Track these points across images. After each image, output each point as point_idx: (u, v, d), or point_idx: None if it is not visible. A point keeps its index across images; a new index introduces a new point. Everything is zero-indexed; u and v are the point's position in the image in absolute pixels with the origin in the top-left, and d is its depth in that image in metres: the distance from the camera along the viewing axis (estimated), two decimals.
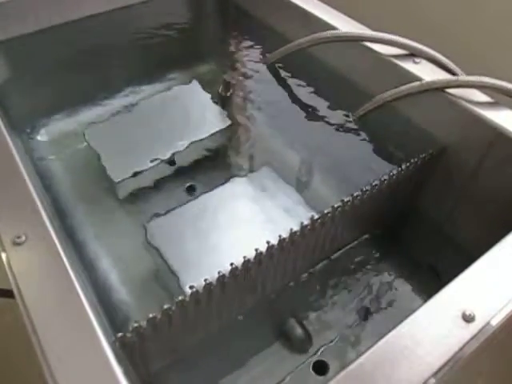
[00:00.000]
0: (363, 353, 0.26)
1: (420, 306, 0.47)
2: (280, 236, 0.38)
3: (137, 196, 0.58)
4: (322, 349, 0.47)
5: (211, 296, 0.36)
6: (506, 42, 0.62)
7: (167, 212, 0.51)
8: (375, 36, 0.47)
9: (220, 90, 0.64)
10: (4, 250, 0.29)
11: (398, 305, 0.51)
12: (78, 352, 0.25)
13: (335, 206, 0.40)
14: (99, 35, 0.64)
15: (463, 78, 0.42)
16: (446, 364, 0.26)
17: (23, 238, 0.30)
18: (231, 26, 0.66)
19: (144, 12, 0.65)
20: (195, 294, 0.34)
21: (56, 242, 0.30)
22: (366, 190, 0.42)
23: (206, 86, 0.63)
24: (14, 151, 0.37)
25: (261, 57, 0.59)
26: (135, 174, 0.55)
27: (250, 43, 0.62)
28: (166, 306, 0.33)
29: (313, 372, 0.46)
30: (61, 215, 0.51)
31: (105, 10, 0.63)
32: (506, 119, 0.41)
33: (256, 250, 0.37)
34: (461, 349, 0.27)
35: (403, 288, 0.52)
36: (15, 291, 0.28)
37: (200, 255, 0.48)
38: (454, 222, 0.49)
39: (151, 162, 0.56)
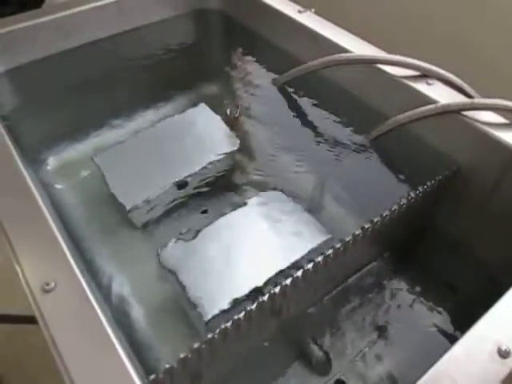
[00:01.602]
0: None
1: (441, 326, 0.47)
2: (304, 267, 0.38)
3: (149, 221, 0.57)
4: (342, 370, 0.47)
5: (239, 330, 0.36)
6: None
7: (180, 238, 0.51)
8: (388, 58, 0.48)
9: (228, 112, 0.64)
10: (34, 299, 0.29)
11: (415, 322, 0.51)
12: None
13: (356, 233, 0.40)
14: (105, 60, 0.64)
15: (478, 100, 0.42)
16: None
17: (52, 284, 0.30)
18: (239, 47, 0.66)
19: (149, 35, 0.66)
20: (223, 331, 0.34)
21: (85, 286, 0.30)
22: (386, 216, 0.42)
23: (213, 108, 0.64)
24: (32, 185, 0.37)
25: (270, 78, 0.59)
26: (147, 200, 0.55)
27: (258, 64, 0.63)
28: (195, 345, 0.32)
29: None
30: (76, 246, 0.50)
31: (110, 34, 0.63)
32: None
33: (281, 283, 0.37)
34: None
35: (420, 305, 0.52)
36: (47, 338, 0.28)
37: (217, 281, 0.47)
38: (470, 240, 0.49)
39: (162, 187, 0.56)
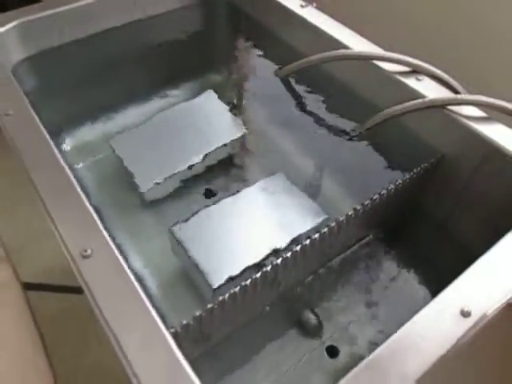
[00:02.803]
0: (379, 346, 0.32)
1: (423, 298, 0.53)
2: (302, 242, 0.43)
3: (161, 201, 0.63)
4: (333, 335, 0.53)
5: (245, 295, 0.41)
6: (502, 59, 0.67)
7: (190, 216, 0.56)
8: (382, 55, 0.52)
9: (234, 100, 0.68)
10: (75, 263, 0.34)
11: (400, 296, 0.57)
12: (148, 339, 0.31)
13: (349, 213, 0.46)
14: (118, 47, 0.68)
15: (462, 96, 0.47)
16: (445, 354, 0.32)
17: (89, 251, 0.35)
18: (244, 37, 0.70)
19: (160, 24, 0.69)
20: (232, 295, 0.40)
21: (116, 252, 0.35)
22: (376, 199, 0.47)
23: (219, 95, 0.68)
24: (63, 163, 0.42)
25: (273, 69, 0.64)
26: (161, 182, 0.60)
27: (263, 55, 0.67)
28: (209, 306, 0.38)
29: (326, 355, 0.52)
30: None
31: (124, 22, 0.67)
32: (500, 134, 0.46)
33: (282, 255, 0.42)
34: (458, 340, 0.32)
35: (405, 280, 0.58)
36: (89, 296, 0.33)
37: (224, 254, 0.53)
38: (452, 221, 0.54)
39: (174, 168, 0.61)
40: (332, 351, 0.52)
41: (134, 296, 0.33)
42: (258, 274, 0.41)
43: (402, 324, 0.33)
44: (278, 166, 0.62)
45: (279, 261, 0.42)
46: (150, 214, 0.62)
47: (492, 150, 0.46)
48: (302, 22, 0.60)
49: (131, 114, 0.71)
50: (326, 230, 0.44)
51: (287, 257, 0.42)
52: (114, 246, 0.36)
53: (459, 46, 0.72)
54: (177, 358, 0.30)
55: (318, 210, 0.57)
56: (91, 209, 0.38)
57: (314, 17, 0.60)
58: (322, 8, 0.62)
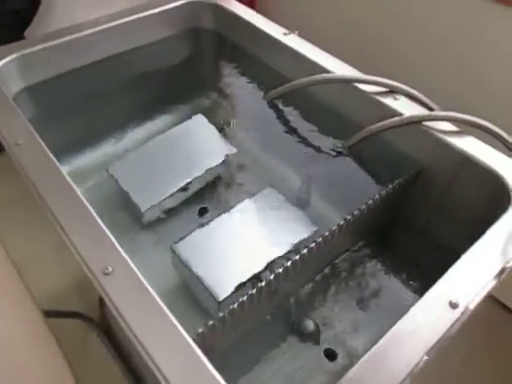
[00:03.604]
0: (380, 337, 0.36)
1: (411, 297, 0.57)
2: (301, 252, 0.47)
3: (158, 221, 0.65)
4: (330, 339, 0.56)
5: (251, 303, 0.45)
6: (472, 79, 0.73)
7: (190, 233, 0.59)
8: (362, 78, 0.57)
9: (223, 122, 0.72)
10: (97, 281, 0.37)
11: (390, 296, 0.60)
12: (172, 344, 0.34)
13: (340, 223, 0.50)
14: (109, 77, 0.71)
15: (436, 113, 0.53)
16: (437, 342, 0.36)
17: (110, 268, 0.38)
18: (231, 64, 0.75)
19: (150, 53, 0.73)
20: (231, 311, 0.43)
21: (134, 268, 0.38)
22: (364, 209, 0.52)
23: (209, 119, 0.72)
24: (74, 185, 0.45)
25: (261, 93, 0.68)
26: (159, 203, 0.63)
27: (249, 80, 0.71)
28: (220, 314, 0.41)
29: (325, 358, 0.55)
30: None
31: (115, 52, 0.70)
32: (471, 146, 0.52)
33: (283, 264, 0.46)
34: (448, 329, 0.36)
35: (394, 283, 0.62)
36: (112, 309, 0.36)
37: (225, 268, 0.56)
38: (432, 226, 0.59)
39: (170, 191, 0.64)
40: (330, 354, 0.56)
41: (155, 307, 0.36)
42: (263, 283, 0.44)
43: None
44: (268, 182, 0.65)
45: (281, 270, 0.46)
46: (148, 233, 0.65)
47: (465, 160, 0.52)
48: (286, 48, 0.65)
49: (126, 140, 0.74)
50: (320, 239, 0.48)
51: (288, 266, 0.46)
52: (131, 263, 0.39)
53: (430, 67, 0.78)
54: (202, 361, 0.33)
55: (307, 222, 0.61)
56: (106, 229, 0.41)
57: (297, 44, 0.65)
58: (303, 35, 0.68)
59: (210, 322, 0.41)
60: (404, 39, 0.84)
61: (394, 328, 0.36)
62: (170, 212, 0.66)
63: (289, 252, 0.58)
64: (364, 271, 0.61)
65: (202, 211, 0.69)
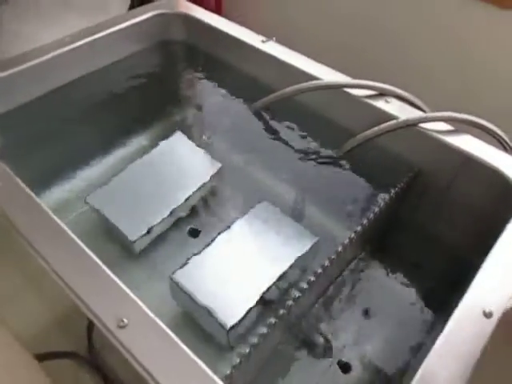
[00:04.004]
0: (425, 356, 0.34)
1: (418, 301, 0.56)
2: (310, 279, 0.45)
3: (149, 248, 0.62)
4: (343, 352, 0.55)
5: (272, 332, 0.42)
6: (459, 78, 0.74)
7: (187, 260, 0.56)
8: (353, 82, 0.56)
9: (205, 138, 0.69)
10: (112, 335, 0.33)
11: (394, 300, 0.60)
12: None
13: (351, 235, 0.48)
14: (79, 99, 0.66)
15: (432, 114, 0.52)
16: (481, 354, 0.35)
17: (125, 320, 0.34)
18: (207, 76, 0.71)
19: (120, 70, 0.69)
20: (262, 336, 0.40)
21: (151, 315, 0.35)
22: (371, 218, 0.50)
23: (189, 134, 0.69)
24: (70, 232, 0.41)
25: (244, 105, 0.66)
26: (148, 231, 0.59)
27: (229, 92, 0.68)
28: (245, 351, 0.38)
29: (340, 372, 0.53)
30: None
31: (83, 73, 0.65)
32: (470, 145, 0.51)
33: (301, 287, 0.44)
34: (488, 339, 0.36)
35: (396, 286, 0.61)
36: (136, 365, 0.32)
37: (229, 293, 0.53)
38: (433, 227, 0.59)
39: (158, 216, 0.61)
40: (345, 367, 0.54)
41: (181, 354, 0.33)
42: (283, 310, 0.42)
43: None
44: (260, 196, 0.63)
45: (299, 293, 0.43)
46: (141, 263, 0.61)
47: (466, 160, 0.51)
48: (268, 57, 0.63)
49: (102, 166, 0.69)
50: (334, 255, 0.46)
51: (305, 288, 0.44)
52: (147, 309, 0.35)
53: (418, 67, 0.78)
54: None
55: (307, 234, 0.59)
56: (113, 275, 0.37)
57: (278, 51, 0.63)
58: (280, 42, 0.65)
59: (237, 361, 0.38)
60: (388, 40, 0.83)
61: (435, 347, 0.35)
62: (161, 237, 0.63)
63: (292, 266, 0.56)
64: (367, 279, 0.60)
65: (194, 232, 0.66)
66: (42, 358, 0.57)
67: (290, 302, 0.43)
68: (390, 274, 0.61)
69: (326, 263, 0.46)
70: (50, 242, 0.40)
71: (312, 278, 0.44)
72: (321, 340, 0.56)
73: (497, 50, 0.74)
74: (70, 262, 0.38)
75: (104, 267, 0.38)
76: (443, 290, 0.57)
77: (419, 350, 0.55)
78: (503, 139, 0.53)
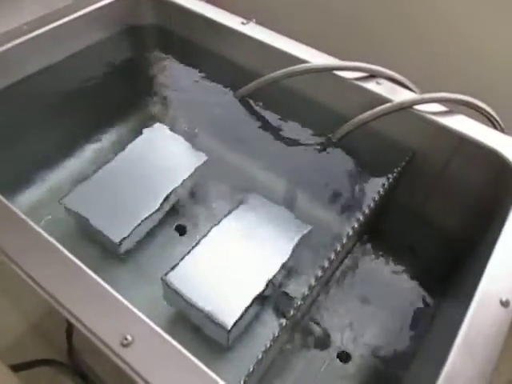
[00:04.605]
0: (449, 350, 0.33)
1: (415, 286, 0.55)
2: (317, 275, 0.43)
3: (135, 248, 0.58)
4: (341, 341, 0.54)
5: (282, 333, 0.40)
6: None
7: (179, 261, 0.53)
8: (341, 64, 0.54)
9: (187, 129, 0.65)
10: (116, 355, 0.30)
11: (395, 290, 0.59)
12: None
13: (354, 225, 0.46)
14: (46, 92, 0.60)
15: (426, 95, 0.50)
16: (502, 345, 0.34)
17: (129, 337, 0.31)
18: (184, 62, 0.67)
19: (88, 59, 0.63)
20: (275, 338, 0.38)
21: (157, 329, 0.32)
22: (372, 206, 0.48)
23: (168, 125, 0.64)
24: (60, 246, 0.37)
25: (227, 92, 0.62)
26: (133, 231, 0.55)
27: (211, 78, 0.64)
28: (259, 356, 0.36)
29: (339, 361, 0.52)
30: None
31: (48, 64, 0.60)
32: (465, 126, 0.50)
33: (303, 293, 0.42)
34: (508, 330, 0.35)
35: (393, 272, 0.60)
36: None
37: (225, 292, 0.51)
38: (427, 210, 0.58)
39: (142, 215, 0.57)
40: (344, 357, 0.53)
41: (192, 368, 0.30)
42: (293, 312, 0.40)
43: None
44: (249, 188, 0.60)
45: (300, 298, 0.41)
46: (128, 265, 0.58)
47: (462, 141, 0.50)
48: (249, 40, 0.59)
49: (77, 163, 0.64)
50: (339, 246, 0.44)
51: (308, 294, 0.42)
52: (152, 324, 0.32)
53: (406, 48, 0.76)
54: None
55: (299, 223, 0.57)
56: (112, 289, 0.33)
57: (260, 33, 0.59)
58: (262, 23, 0.62)
59: (250, 369, 0.35)
60: (374, 17, 0.79)
61: (457, 343, 0.34)
62: (146, 235, 0.59)
63: (287, 260, 0.54)
64: (364, 266, 0.59)
65: (181, 229, 0.62)
66: (18, 368, 0.54)
67: (299, 302, 0.41)
68: (386, 260, 0.60)
69: (332, 256, 0.44)
70: (27, 249, 0.35)
71: (320, 273, 0.42)
72: (319, 330, 0.54)
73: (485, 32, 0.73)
74: (57, 273, 0.34)
75: (95, 276, 0.34)
76: (440, 273, 0.56)
77: (419, 336, 0.54)
78: (494, 118, 0.52)
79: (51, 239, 0.36)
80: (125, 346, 0.31)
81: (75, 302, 0.32)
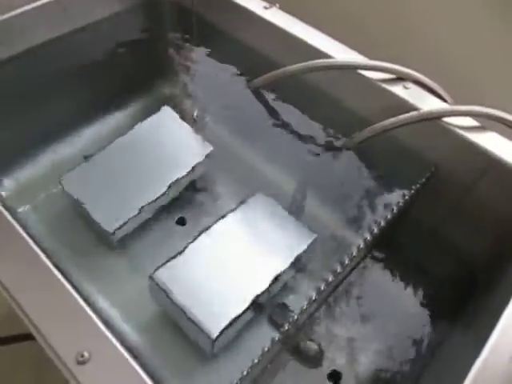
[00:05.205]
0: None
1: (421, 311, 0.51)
2: (319, 288, 0.39)
3: (130, 238, 0.55)
4: (335, 361, 0.50)
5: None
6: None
7: (172, 258, 0.50)
8: (368, 64, 0.48)
9: (196, 116, 0.61)
10: (70, 372, 0.27)
11: (397, 310, 0.55)
12: None
13: (366, 237, 0.42)
14: (51, 65, 0.56)
15: (458, 107, 0.45)
16: None
17: (86, 354, 0.28)
18: (199, 43, 0.62)
19: (98, 33, 0.59)
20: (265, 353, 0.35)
21: (123, 351, 0.29)
22: (388, 220, 0.44)
23: (177, 110, 0.61)
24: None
25: (242, 80, 0.58)
26: (128, 220, 0.53)
27: (225, 64, 0.60)
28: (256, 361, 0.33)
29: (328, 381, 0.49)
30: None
31: (54, 36, 0.56)
32: (497, 145, 0.45)
33: (302, 307, 0.38)
34: None
35: (399, 291, 0.56)
36: None
37: (216, 297, 0.48)
38: (445, 231, 0.53)
39: (140, 203, 0.54)
40: (335, 377, 0.49)
41: None
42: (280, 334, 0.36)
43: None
44: (256, 186, 0.56)
45: (299, 311, 0.38)
46: (121, 256, 0.55)
47: (490, 161, 0.45)
48: (270, 27, 0.54)
49: (79, 143, 0.61)
50: (347, 259, 0.40)
51: (306, 308, 0.38)
52: (114, 340, 0.29)
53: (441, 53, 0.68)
54: None
55: (305, 231, 0.53)
56: (77, 295, 0.30)
57: (284, 21, 0.54)
58: (285, 8, 0.57)
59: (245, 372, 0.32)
60: (418, 14, 0.72)
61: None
62: (143, 226, 0.56)
63: (287, 268, 0.50)
64: (370, 282, 0.55)
65: (179, 221, 0.59)
66: (3, 341, 0.54)
67: (296, 316, 0.37)
68: (393, 278, 0.56)
69: (339, 269, 0.40)
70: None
71: (322, 287, 0.38)
72: (313, 347, 0.51)
73: None
74: (20, 270, 0.31)
75: (62, 279, 0.31)
76: (451, 299, 0.52)
77: (420, 365, 0.50)
78: None
79: (22, 232, 0.33)
80: (80, 363, 0.28)
81: (35, 306, 0.29)
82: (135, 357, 0.29)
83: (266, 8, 0.57)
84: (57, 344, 0.28)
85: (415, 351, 0.51)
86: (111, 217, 0.53)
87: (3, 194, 0.56)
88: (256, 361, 0.35)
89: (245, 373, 0.34)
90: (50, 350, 0.28)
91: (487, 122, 0.46)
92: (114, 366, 0.28)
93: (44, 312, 0.29)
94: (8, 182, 0.57)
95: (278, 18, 0.55)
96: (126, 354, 0.29)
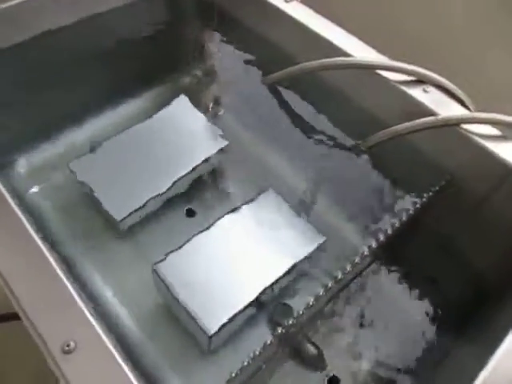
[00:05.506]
0: None
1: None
2: (324, 287, 0.38)
3: (137, 228, 0.55)
4: (334, 366, 0.49)
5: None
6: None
7: (176, 249, 0.49)
8: (388, 64, 0.47)
9: (210, 108, 0.61)
10: (54, 361, 0.27)
11: (402, 318, 0.53)
12: None
13: (372, 244, 0.41)
14: (65, 52, 0.56)
15: (478, 114, 0.43)
16: None
17: (72, 344, 0.28)
18: (217, 34, 0.62)
19: (114, 21, 0.59)
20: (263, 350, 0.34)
21: (108, 344, 0.29)
22: (397, 227, 0.43)
23: (193, 102, 0.60)
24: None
25: (258, 74, 0.57)
26: (137, 209, 0.53)
27: (243, 58, 0.59)
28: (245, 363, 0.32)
29: None
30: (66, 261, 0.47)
31: (68, 22, 0.56)
32: None
33: (298, 312, 0.37)
34: None
35: (404, 299, 0.54)
36: None
37: (218, 293, 0.47)
38: (457, 242, 0.51)
39: (150, 193, 0.54)
40: (333, 381, 0.49)
41: None
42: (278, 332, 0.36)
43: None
44: (266, 182, 0.55)
45: (299, 311, 0.37)
46: (126, 244, 0.55)
47: (509, 172, 0.43)
48: (290, 21, 0.53)
49: (92, 130, 0.61)
50: (348, 266, 0.39)
51: (312, 303, 0.37)
52: (100, 331, 0.29)
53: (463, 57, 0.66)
54: None
55: (314, 233, 0.52)
56: (68, 283, 0.30)
57: (304, 15, 0.53)
58: (306, 2, 0.55)
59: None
60: (444, 18, 0.69)
61: None
62: (152, 216, 0.56)
63: (291, 269, 0.50)
64: (375, 291, 0.53)
65: (190, 213, 0.59)
66: None
67: (295, 318, 0.37)
68: (400, 286, 0.54)
69: (340, 275, 0.39)
70: None
71: (321, 292, 0.38)
72: (312, 350, 0.50)
73: None
74: (16, 253, 0.32)
75: (55, 265, 0.31)
76: (458, 310, 0.50)
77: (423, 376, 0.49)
78: None
79: (22, 216, 0.33)
80: (66, 352, 0.28)
81: (26, 291, 0.30)
82: (126, 349, 0.29)
83: (286, 1, 0.55)
84: (44, 331, 0.28)
85: (417, 362, 0.50)
86: (120, 205, 0.53)
87: (19, 171, 0.56)
88: (253, 355, 0.34)
89: (244, 365, 0.34)
90: (37, 337, 0.28)
91: (508, 131, 0.44)
92: (99, 357, 0.28)
93: (34, 298, 0.29)
94: (22, 162, 0.58)
95: (298, 11, 0.54)
96: (112, 347, 0.28)
